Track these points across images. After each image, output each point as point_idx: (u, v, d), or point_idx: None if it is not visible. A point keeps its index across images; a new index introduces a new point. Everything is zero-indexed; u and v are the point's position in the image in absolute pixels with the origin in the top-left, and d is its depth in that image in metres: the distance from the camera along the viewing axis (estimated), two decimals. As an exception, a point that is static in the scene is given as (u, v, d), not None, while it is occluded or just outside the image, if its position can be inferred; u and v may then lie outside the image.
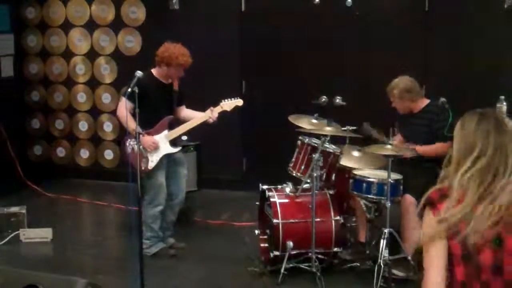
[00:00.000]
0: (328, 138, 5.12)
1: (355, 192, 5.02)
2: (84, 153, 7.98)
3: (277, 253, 4.96)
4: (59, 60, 7.86)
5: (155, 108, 5.20)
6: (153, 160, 5.30)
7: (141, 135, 4.99)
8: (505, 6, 6.31)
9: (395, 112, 5.33)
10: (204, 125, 5.42)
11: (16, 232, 5.84)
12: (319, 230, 4.94)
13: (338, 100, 6.76)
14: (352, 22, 6.76)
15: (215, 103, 5.39)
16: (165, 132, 5.34)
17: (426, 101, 5.25)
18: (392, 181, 4.77)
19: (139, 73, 4.66)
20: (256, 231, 5.37)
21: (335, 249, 5.06)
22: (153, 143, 5.26)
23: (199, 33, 7.05)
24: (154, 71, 5.36)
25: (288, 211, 5.02)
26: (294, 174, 5.29)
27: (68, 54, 7.81)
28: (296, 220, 5.01)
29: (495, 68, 6.39)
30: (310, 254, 4.92)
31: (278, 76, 7.06)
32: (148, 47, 7.00)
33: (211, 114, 5.33)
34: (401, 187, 4.92)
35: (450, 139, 2.43)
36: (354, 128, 5.24)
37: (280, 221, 4.95)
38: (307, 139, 5.27)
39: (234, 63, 7.22)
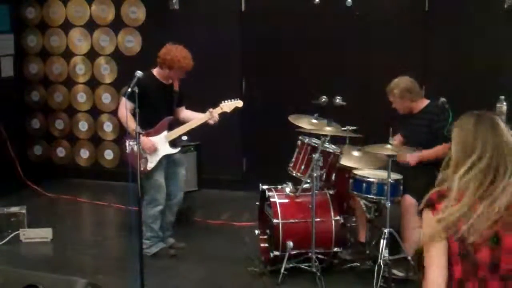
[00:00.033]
0: (328, 138, 5.12)
1: (355, 192, 5.02)
2: (84, 153, 7.98)
3: (277, 253, 4.96)
4: (59, 60, 7.86)
5: (155, 109, 5.19)
6: (152, 160, 5.29)
7: (140, 135, 4.98)
8: (505, 6, 6.31)
9: (395, 112, 5.32)
10: (204, 125, 5.41)
11: (16, 232, 5.84)
12: (319, 230, 4.93)
13: (338, 100, 6.76)
14: (352, 22, 6.76)
15: (215, 103, 5.39)
16: (165, 132, 5.34)
17: (426, 102, 5.25)
18: (392, 181, 4.77)
19: (139, 73, 4.64)
20: (256, 231, 5.37)
21: (335, 249, 5.06)
22: (152, 146, 5.26)
23: (199, 33, 7.04)
24: (154, 71, 5.36)
25: (288, 211, 5.02)
26: (294, 174, 5.29)
27: (68, 54, 7.80)
28: (296, 220, 5.01)
29: (495, 68, 6.38)
30: (310, 254, 4.92)
31: (278, 76, 7.05)
32: (148, 47, 7.01)
33: (210, 116, 5.33)
34: (401, 187, 4.92)
35: (450, 140, 2.43)
36: (354, 128, 5.24)
37: (280, 221, 4.95)
38: (307, 139, 5.27)
39: (234, 63, 7.21)
